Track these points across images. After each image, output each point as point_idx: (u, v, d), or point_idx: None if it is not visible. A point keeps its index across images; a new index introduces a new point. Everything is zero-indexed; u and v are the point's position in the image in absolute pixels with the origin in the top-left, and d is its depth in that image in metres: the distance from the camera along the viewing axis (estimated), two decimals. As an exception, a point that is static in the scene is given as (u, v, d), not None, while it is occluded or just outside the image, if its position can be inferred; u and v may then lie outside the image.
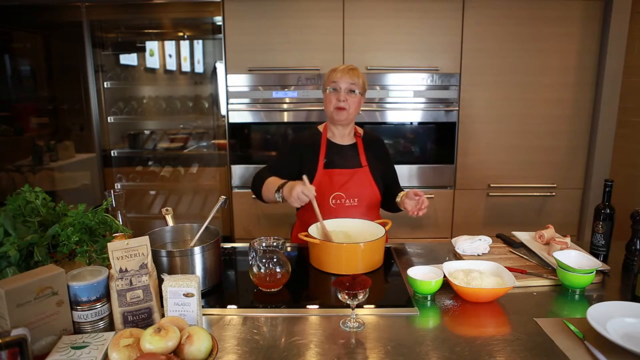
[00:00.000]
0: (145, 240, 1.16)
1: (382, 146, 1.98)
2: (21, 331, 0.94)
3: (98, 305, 1.12)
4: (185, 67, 3.11)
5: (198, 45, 3.09)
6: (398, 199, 1.78)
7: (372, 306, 1.29)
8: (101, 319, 1.13)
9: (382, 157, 1.96)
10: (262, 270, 1.35)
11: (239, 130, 2.83)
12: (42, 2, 2.81)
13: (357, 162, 1.87)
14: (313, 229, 1.62)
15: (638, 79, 2.92)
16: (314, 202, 1.58)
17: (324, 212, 1.77)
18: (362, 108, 2.74)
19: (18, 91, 3.12)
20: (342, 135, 1.90)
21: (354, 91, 1.80)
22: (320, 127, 1.94)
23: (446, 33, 2.72)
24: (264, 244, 1.38)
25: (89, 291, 1.10)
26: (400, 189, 1.95)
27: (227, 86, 2.78)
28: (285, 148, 1.99)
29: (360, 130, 1.96)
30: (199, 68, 3.11)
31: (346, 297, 1.15)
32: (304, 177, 1.58)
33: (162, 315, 1.16)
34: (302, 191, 1.52)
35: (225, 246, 1.78)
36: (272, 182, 1.72)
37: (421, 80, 2.77)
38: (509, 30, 2.72)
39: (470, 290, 1.29)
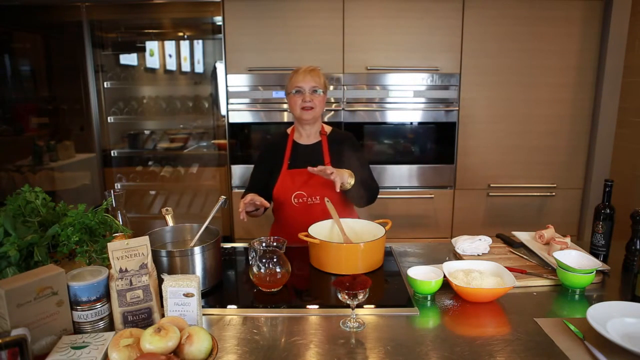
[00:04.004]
0: (145, 240, 1.16)
1: (350, 143, 1.96)
2: (21, 331, 0.94)
3: (98, 305, 1.12)
4: (185, 67, 3.11)
5: (198, 45, 3.09)
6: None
7: (372, 306, 1.29)
8: (101, 319, 1.13)
9: (350, 154, 1.93)
10: (262, 270, 1.35)
11: (239, 130, 2.83)
12: (42, 2, 2.81)
13: (320, 160, 1.89)
14: (314, 229, 1.62)
15: (638, 79, 2.91)
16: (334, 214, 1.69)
17: (288, 211, 1.86)
18: (362, 108, 2.78)
19: (18, 91, 3.12)
20: (309, 135, 1.94)
21: (316, 91, 1.86)
22: (289, 130, 1.99)
23: (446, 33, 2.72)
24: (264, 244, 1.38)
25: (89, 291, 1.10)
26: (371, 184, 1.91)
27: (227, 86, 2.78)
28: (256, 159, 2.06)
29: (327, 129, 1.98)
30: (199, 68, 3.11)
31: (346, 297, 1.15)
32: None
33: (162, 315, 1.16)
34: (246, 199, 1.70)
35: (225, 246, 1.78)
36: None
37: (421, 80, 2.77)
38: (509, 30, 2.72)
39: (470, 290, 1.29)
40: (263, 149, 2.07)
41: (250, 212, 1.79)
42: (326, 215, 1.72)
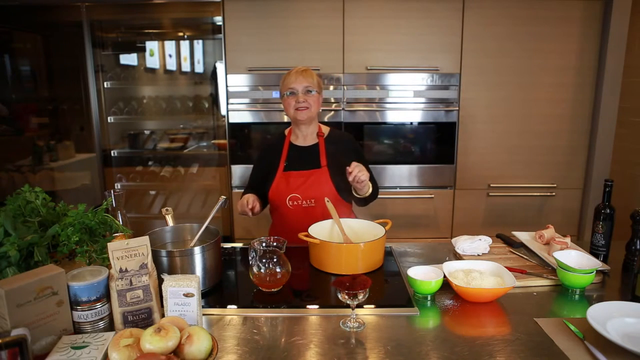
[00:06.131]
0: (145, 240, 1.16)
1: (348, 144, 1.95)
2: (21, 331, 0.94)
3: (98, 305, 1.12)
4: (185, 67, 3.11)
5: (198, 45, 3.09)
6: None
7: (372, 306, 1.29)
8: (101, 319, 1.13)
9: (348, 156, 1.89)
10: (262, 270, 1.35)
11: (239, 130, 2.83)
12: (42, 2, 2.81)
13: (317, 162, 1.88)
14: (314, 229, 1.62)
15: (638, 79, 2.92)
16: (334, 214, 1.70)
17: (283, 214, 1.86)
18: (362, 108, 2.78)
19: (18, 91, 3.12)
20: (305, 136, 1.93)
21: (310, 91, 1.85)
22: (286, 131, 1.98)
23: (446, 33, 2.72)
24: (264, 244, 1.38)
25: (89, 291, 1.10)
26: (373, 185, 1.90)
27: (227, 86, 2.78)
28: (255, 160, 2.08)
29: (325, 130, 1.96)
30: (199, 68, 3.11)
31: (346, 297, 1.15)
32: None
33: (162, 315, 1.16)
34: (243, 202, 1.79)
35: (225, 246, 1.78)
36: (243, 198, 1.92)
37: (421, 80, 2.77)
38: (508, 30, 2.72)
39: (470, 290, 1.29)
40: (261, 149, 2.08)
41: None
42: (322, 219, 1.71)
